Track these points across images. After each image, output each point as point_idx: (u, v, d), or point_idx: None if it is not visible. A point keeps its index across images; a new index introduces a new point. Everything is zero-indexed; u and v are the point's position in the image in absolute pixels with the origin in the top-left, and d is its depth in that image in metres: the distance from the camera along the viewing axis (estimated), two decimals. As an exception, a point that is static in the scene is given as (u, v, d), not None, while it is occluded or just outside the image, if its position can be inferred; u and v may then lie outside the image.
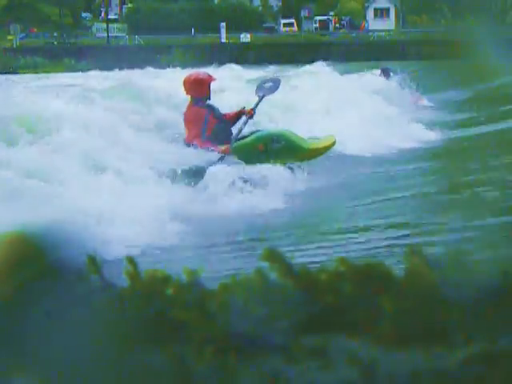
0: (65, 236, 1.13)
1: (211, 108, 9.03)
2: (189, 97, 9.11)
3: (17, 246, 1.07)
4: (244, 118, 9.16)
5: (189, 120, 8.91)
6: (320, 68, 21.51)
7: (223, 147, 8.74)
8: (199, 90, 8.99)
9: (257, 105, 9.35)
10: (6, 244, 1.06)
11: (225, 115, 9.18)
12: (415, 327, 1.04)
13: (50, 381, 0.97)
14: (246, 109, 9.23)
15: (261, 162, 8.59)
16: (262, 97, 9.51)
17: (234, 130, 9.10)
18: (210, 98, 9.11)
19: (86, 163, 7.61)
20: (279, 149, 8.90)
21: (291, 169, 8.80)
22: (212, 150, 8.71)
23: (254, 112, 9.18)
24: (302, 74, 19.66)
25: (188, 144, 8.83)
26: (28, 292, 1.05)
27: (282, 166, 8.69)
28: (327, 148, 9.43)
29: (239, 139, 8.96)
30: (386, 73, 19.89)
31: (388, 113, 14.51)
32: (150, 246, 5.96)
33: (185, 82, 9.14)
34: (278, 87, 9.78)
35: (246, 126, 9.13)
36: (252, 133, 9.12)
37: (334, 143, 9.48)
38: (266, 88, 9.72)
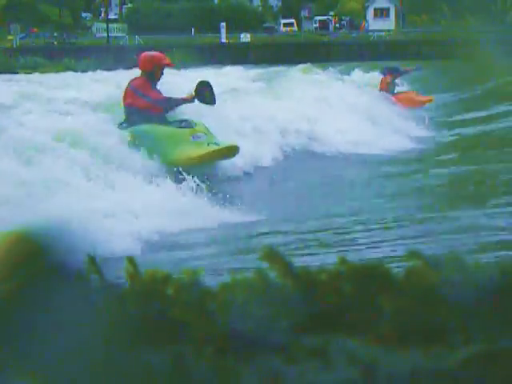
0: (65, 235, 1.13)
1: (157, 90, 9.32)
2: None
3: (16, 245, 1.07)
4: (184, 99, 9.33)
5: (138, 86, 9.21)
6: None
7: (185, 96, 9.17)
8: (147, 65, 9.30)
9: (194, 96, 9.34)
10: (5, 243, 1.06)
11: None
12: (415, 327, 1.04)
13: (50, 381, 0.97)
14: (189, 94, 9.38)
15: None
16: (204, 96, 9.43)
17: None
18: (159, 79, 9.35)
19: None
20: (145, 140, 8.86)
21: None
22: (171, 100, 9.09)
23: (193, 100, 9.31)
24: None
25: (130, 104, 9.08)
26: (28, 292, 1.05)
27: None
28: (216, 154, 8.89)
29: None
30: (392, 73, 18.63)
31: None
32: None
33: (140, 58, 9.52)
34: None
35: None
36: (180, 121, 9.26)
37: (231, 150, 8.94)
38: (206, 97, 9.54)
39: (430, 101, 18.52)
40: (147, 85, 9.23)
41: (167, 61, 9.46)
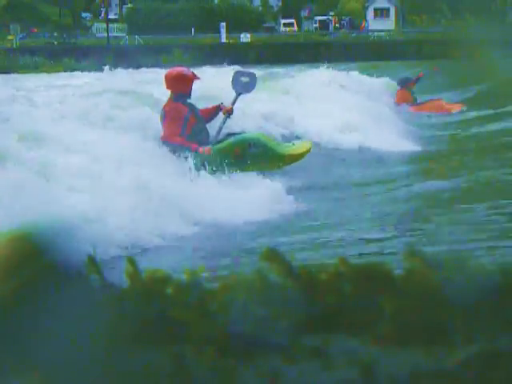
0: (65, 235, 1.13)
1: (192, 107, 8.67)
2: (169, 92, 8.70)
3: (16, 245, 1.07)
4: (222, 116, 8.77)
5: (169, 116, 8.53)
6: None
7: (205, 147, 8.41)
8: (181, 85, 8.61)
9: (234, 102, 8.98)
10: (5, 243, 1.06)
11: (201, 111, 8.79)
12: (415, 327, 1.04)
13: (50, 381, 0.97)
14: (223, 105, 8.84)
15: (236, 167, 8.25)
16: (239, 94, 9.11)
17: (210, 128, 8.74)
18: (190, 97, 8.72)
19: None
20: (256, 154, 8.50)
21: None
22: (190, 148, 8.33)
23: (233, 110, 8.85)
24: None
25: (164, 142, 8.41)
26: (28, 292, 1.05)
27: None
28: (303, 154, 9.04)
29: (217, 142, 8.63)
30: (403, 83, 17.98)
31: None
32: None
33: (167, 77, 8.77)
34: (254, 85, 9.27)
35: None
36: (227, 135, 8.75)
37: (309, 149, 9.12)
38: (243, 84, 9.20)
39: (462, 107, 18.00)
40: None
41: (196, 76, 8.76)
